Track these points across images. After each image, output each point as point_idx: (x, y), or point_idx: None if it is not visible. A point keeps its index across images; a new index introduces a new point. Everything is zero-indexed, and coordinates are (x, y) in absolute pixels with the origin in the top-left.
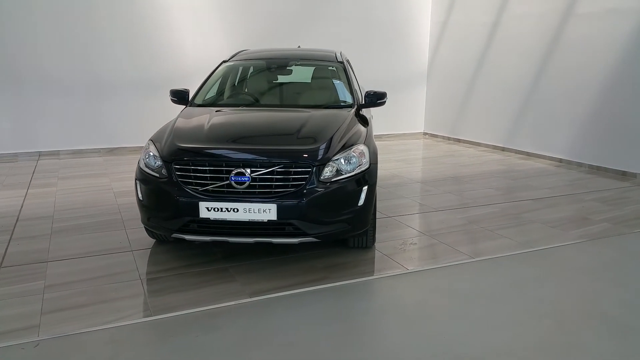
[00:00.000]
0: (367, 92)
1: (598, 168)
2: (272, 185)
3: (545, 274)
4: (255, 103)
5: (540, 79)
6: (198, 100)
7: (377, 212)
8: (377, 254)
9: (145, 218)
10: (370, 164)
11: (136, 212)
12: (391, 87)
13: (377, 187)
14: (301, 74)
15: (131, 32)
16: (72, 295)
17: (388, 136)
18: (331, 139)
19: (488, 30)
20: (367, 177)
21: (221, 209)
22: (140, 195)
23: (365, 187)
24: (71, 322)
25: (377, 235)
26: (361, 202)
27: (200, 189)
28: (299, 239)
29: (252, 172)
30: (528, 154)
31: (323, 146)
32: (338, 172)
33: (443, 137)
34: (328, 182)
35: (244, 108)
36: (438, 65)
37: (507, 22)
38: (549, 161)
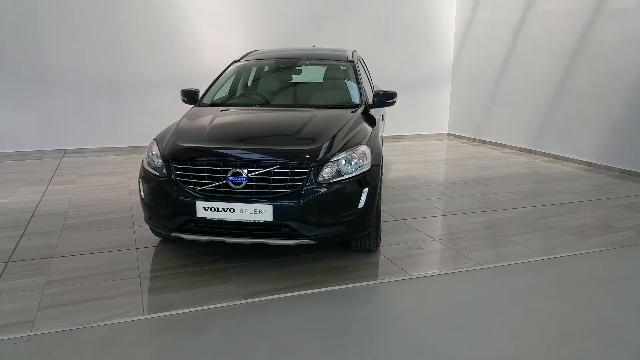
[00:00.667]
0: (375, 91)
1: (629, 173)
2: (269, 185)
3: (554, 284)
4: (262, 103)
5: (568, 78)
6: (206, 100)
7: (387, 214)
8: (380, 258)
9: (147, 216)
10: (372, 166)
11: None
12: (414, 87)
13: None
14: (310, 74)
15: (152, 33)
16: (71, 291)
17: (410, 137)
18: (331, 139)
19: (514, 28)
20: (369, 178)
21: (217, 208)
22: (142, 194)
23: (366, 189)
24: (65, 318)
25: (383, 239)
26: (361, 204)
27: (198, 188)
28: (296, 241)
29: (249, 172)
30: (555, 157)
31: (322, 147)
32: (338, 173)
33: (468, 138)
34: (326, 184)
35: (251, 108)
36: (463, 64)
37: (534, 19)
38: (577, 165)
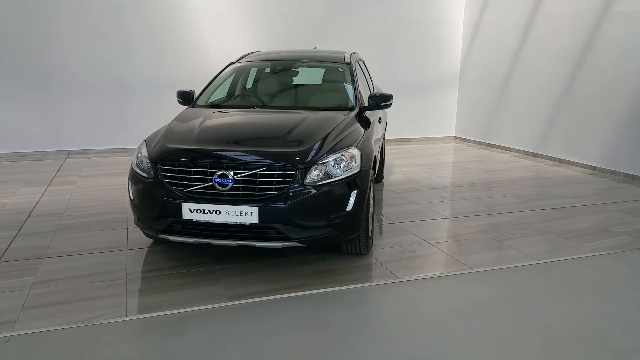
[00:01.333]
0: (371, 94)
1: (634, 177)
2: (255, 188)
3: (545, 289)
4: (256, 105)
5: (574, 81)
6: (201, 102)
7: (383, 217)
8: (371, 261)
9: (136, 218)
10: (361, 168)
11: None
12: (422, 90)
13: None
14: (306, 76)
15: (157, 35)
16: (56, 292)
17: (417, 140)
18: (320, 141)
19: (521, 31)
20: (358, 181)
21: (203, 210)
22: (131, 195)
23: (355, 192)
24: (48, 319)
25: (377, 242)
26: (350, 207)
27: (184, 190)
28: (282, 244)
29: (235, 174)
30: (560, 161)
31: (310, 149)
32: (327, 175)
33: (474, 142)
34: (314, 186)
35: (244, 110)
36: (470, 67)
37: (541, 22)
38: (581, 168)
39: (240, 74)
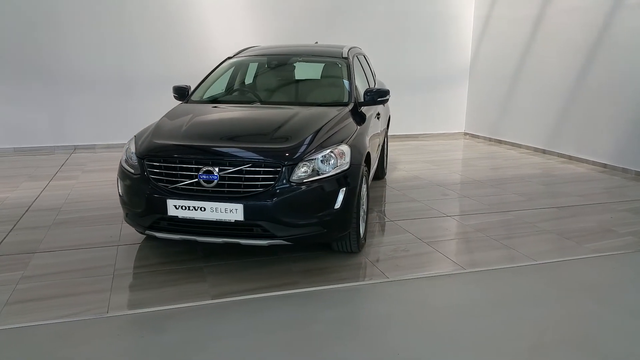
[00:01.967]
0: (367, 89)
1: None
2: (241, 184)
3: (539, 291)
4: (249, 100)
5: (585, 77)
6: (195, 97)
7: (381, 214)
8: (362, 259)
9: (125, 214)
10: (351, 165)
11: None
12: (430, 85)
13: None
14: (301, 71)
15: (161, 30)
16: (42, 287)
17: (425, 136)
18: (308, 138)
19: (532, 24)
20: (347, 178)
21: (188, 207)
22: (120, 191)
23: (344, 189)
24: (30, 314)
25: (371, 240)
26: (338, 204)
27: (170, 186)
28: (268, 242)
29: (220, 170)
30: (570, 158)
31: (297, 145)
32: (314, 172)
33: (484, 138)
34: (300, 183)
35: (236, 105)
36: (481, 62)
37: (552, 16)
38: (591, 166)
39: (236, 69)
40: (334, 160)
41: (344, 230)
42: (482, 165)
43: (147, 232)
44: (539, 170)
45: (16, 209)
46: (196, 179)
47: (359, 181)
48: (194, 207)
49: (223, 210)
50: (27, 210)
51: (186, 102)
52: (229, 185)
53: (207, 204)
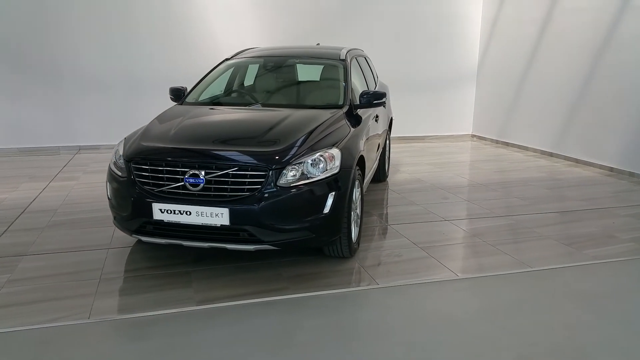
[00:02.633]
0: (363, 91)
1: None
2: (227, 188)
3: (531, 299)
4: (243, 102)
5: (592, 79)
6: (189, 99)
7: (377, 218)
8: (354, 265)
9: (113, 217)
10: (340, 169)
11: None
12: (437, 87)
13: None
14: (297, 74)
15: (167, 31)
16: (27, 291)
17: (432, 137)
18: (298, 141)
19: (539, 26)
20: (337, 183)
21: (174, 211)
22: (108, 194)
23: (333, 194)
24: (11, 319)
25: (364, 244)
26: (327, 209)
27: (156, 189)
28: (255, 246)
29: (206, 174)
30: (577, 161)
31: (285, 149)
32: (303, 176)
33: (491, 140)
34: (288, 187)
35: (229, 107)
36: (488, 64)
37: (559, 17)
38: (598, 169)
39: (233, 70)
40: (323, 164)
41: (333, 235)
42: (487, 168)
43: (134, 235)
44: (544, 174)
45: (13, 210)
46: (182, 183)
47: (350, 185)
48: (180, 211)
49: (209, 214)
50: (23, 212)
51: (181, 104)
52: (216, 189)
53: (193, 208)
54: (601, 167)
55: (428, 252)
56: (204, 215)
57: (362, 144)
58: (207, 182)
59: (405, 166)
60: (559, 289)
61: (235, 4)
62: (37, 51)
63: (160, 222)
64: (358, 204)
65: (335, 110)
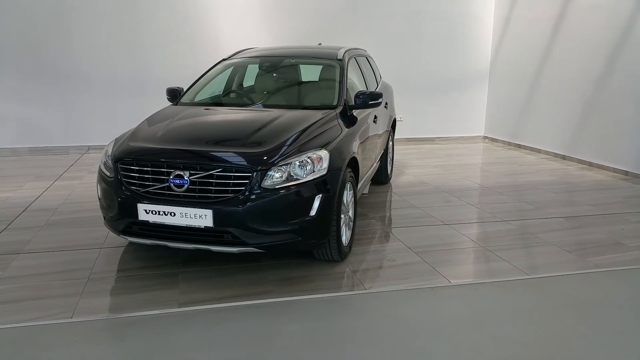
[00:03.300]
0: (358, 92)
1: None
2: (211, 190)
3: (524, 308)
4: (237, 103)
5: (607, 79)
6: (184, 99)
7: (374, 221)
8: (344, 269)
9: (103, 217)
10: (328, 171)
11: None
12: (448, 87)
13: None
14: (293, 74)
15: (174, 33)
16: (15, 289)
17: (442, 139)
18: (284, 142)
19: (552, 25)
20: (324, 185)
21: (159, 212)
22: (98, 194)
23: (320, 196)
24: None
25: (357, 248)
26: (313, 212)
27: (141, 190)
28: (239, 249)
29: (190, 175)
30: (590, 164)
31: (271, 150)
32: (290, 177)
33: (503, 142)
34: (273, 189)
35: (223, 108)
36: (501, 64)
37: (573, 16)
38: (612, 173)
39: (229, 71)
40: (310, 165)
41: (321, 239)
42: (496, 170)
43: (121, 236)
44: (554, 177)
45: (14, 209)
46: (167, 183)
47: (339, 187)
48: (164, 212)
49: (192, 215)
50: (24, 210)
51: (175, 104)
52: (200, 190)
53: (177, 209)
54: (615, 170)
55: (422, 257)
56: (188, 216)
57: (355, 145)
58: (192, 183)
59: (410, 168)
60: (555, 298)
61: (241, 4)
62: (48, 53)
63: (146, 222)
64: (350, 206)
65: (328, 111)
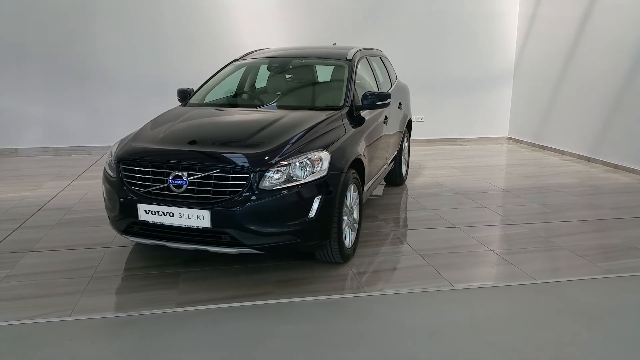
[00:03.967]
0: (366, 92)
1: None
2: (209, 190)
3: (526, 314)
4: (245, 104)
5: (634, 79)
6: (194, 100)
7: (383, 223)
8: (346, 271)
9: (108, 217)
10: (328, 173)
11: None
12: (471, 88)
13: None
14: (301, 74)
15: (194, 34)
16: (20, 287)
17: (464, 140)
18: (284, 143)
19: (578, 24)
20: (324, 186)
21: (158, 212)
22: (103, 194)
23: (319, 197)
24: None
25: (363, 250)
26: (312, 213)
27: (142, 190)
28: (237, 250)
29: (189, 175)
30: (616, 167)
31: (270, 151)
32: (289, 179)
33: (527, 143)
34: (271, 190)
35: (229, 109)
36: (525, 64)
37: (599, 15)
38: (638, 176)
39: (239, 71)
40: (310, 166)
41: (320, 240)
42: (516, 172)
43: (123, 235)
44: (576, 180)
45: (30, 208)
46: (166, 184)
47: (341, 189)
48: (163, 213)
49: (191, 216)
50: (39, 209)
51: (184, 105)
52: (199, 191)
53: (176, 210)
54: None
55: (427, 260)
56: (187, 217)
57: (360, 146)
58: (190, 183)
59: (428, 170)
60: (559, 304)
61: (261, 6)
62: (72, 55)
63: (146, 222)
64: (355, 208)
65: (333, 111)
